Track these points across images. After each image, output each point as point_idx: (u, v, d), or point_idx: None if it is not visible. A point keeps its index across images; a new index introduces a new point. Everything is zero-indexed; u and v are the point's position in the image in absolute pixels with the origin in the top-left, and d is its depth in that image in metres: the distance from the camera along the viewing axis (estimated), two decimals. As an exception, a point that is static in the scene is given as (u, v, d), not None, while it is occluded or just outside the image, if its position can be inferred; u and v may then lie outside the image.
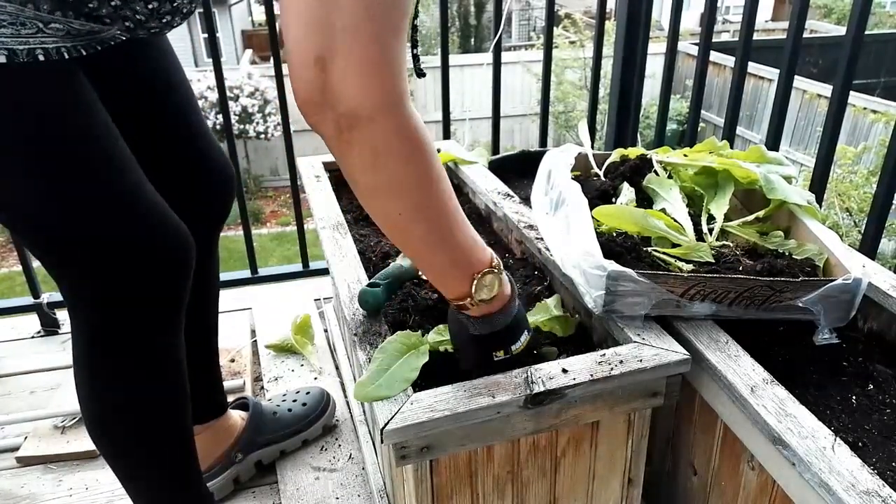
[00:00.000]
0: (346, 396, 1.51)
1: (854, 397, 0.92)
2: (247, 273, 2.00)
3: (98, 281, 0.86)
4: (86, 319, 0.90)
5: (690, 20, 10.39)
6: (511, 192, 1.36)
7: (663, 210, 1.17)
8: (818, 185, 1.46)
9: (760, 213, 1.15)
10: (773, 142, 1.50)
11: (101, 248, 0.84)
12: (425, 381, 0.84)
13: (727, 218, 1.24)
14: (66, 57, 0.77)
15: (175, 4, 0.85)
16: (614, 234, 1.07)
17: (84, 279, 0.86)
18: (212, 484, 1.25)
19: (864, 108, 7.36)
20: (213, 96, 8.39)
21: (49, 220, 0.81)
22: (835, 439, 0.75)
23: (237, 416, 1.31)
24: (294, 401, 1.39)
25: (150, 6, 0.82)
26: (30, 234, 0.84)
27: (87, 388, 0.94)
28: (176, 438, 1.01)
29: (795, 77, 1.49)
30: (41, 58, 0.74)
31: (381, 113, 0.61)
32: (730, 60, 7.08)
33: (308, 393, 1.42)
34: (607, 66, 2.01)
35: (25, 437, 1.44)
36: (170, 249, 0.88)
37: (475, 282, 0.76)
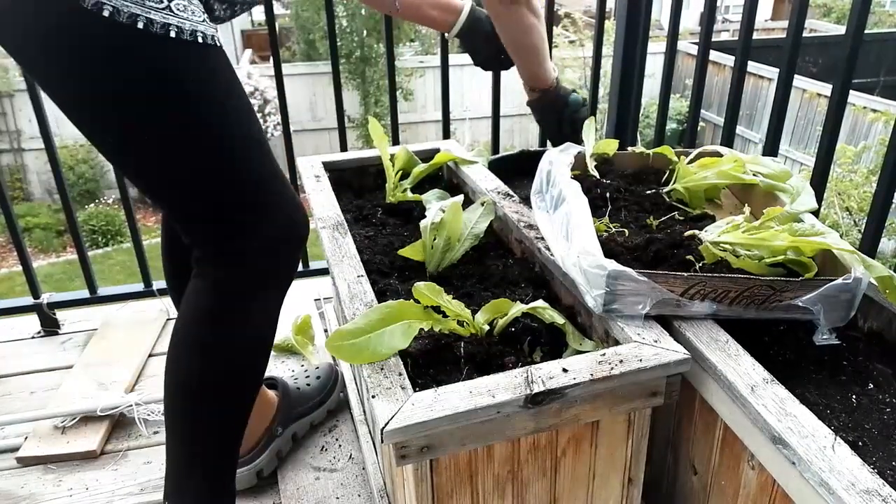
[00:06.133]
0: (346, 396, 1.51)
1: (854, 396, 0.92)
2: (247, 273, 2.00)
3: (248, 241, 0.94)
4: (217, 275, 0.96)
5: (690, 19, 10.37)
6: (511, 192, 1.35)
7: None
8: (818, 184, 1.45)
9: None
10: (772, 141, 1.50)
11: (259, 214, 0.93)
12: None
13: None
14: (200, 41, 0.82)
15: None
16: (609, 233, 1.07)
17: (235, 238, 0.94)
18: (260, 460, 1.29)
19: (864, 108, 7.36)
20: (213, 96, 8.37)
21: (218, 196, 0.91)
22: (835, 438, 0.75)
23: (271, 393, 1.36)
24: (308, 376, 1.46)
25: None
26: (194, 203, 0.92)
27: (199, 340, 0.98)
28: (249, 405, 1.05)
29: (795, 76, 1.49)
30: (172, 34, 0.79)
31: None
32: (729, 60, 7.07)
33: (317, 367, 1.49)
34: (607, 65, 2.01)
35: (25, 438, 1.44)
36: (303, 221, 1.01)
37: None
